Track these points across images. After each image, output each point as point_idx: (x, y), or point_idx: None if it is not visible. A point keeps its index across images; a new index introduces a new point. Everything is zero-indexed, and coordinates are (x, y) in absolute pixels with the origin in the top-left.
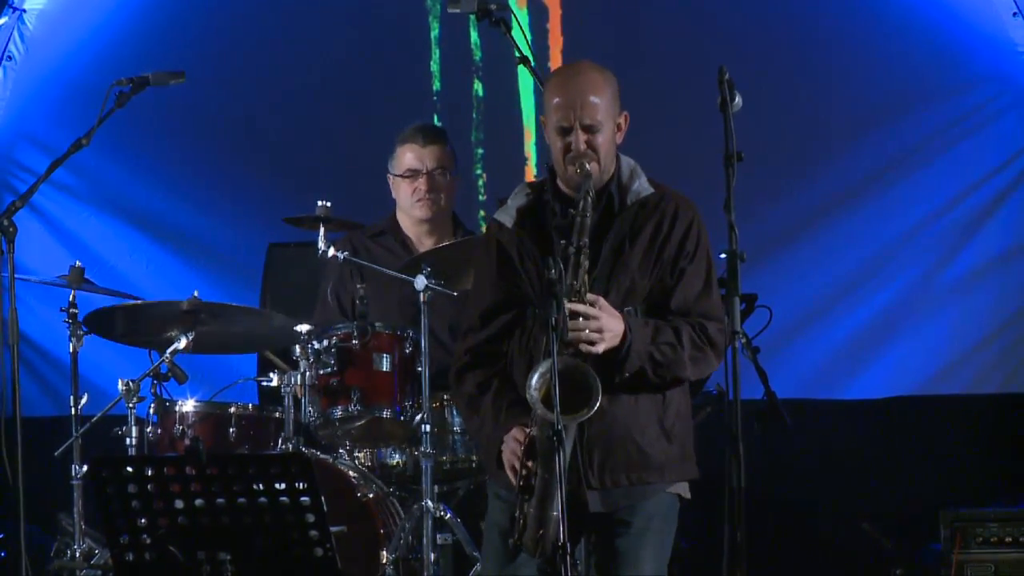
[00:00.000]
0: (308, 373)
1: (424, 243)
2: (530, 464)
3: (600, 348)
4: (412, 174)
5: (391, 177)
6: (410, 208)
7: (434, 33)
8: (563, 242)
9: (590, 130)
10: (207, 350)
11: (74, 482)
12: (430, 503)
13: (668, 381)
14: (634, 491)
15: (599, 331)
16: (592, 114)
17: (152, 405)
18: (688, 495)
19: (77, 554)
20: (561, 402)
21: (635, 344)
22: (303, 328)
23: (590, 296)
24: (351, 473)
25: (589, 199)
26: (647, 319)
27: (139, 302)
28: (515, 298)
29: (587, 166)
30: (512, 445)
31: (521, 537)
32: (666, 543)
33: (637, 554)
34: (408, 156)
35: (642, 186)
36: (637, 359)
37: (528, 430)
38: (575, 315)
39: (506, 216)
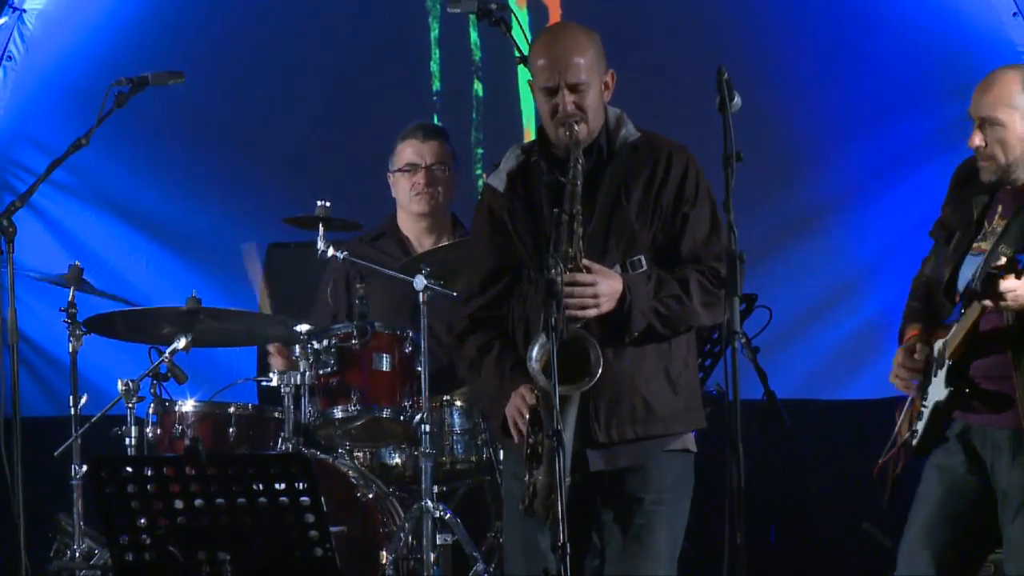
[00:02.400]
0: (308, 373)
1: (423, 242)
2: (536, 432)
3: (594, 313)
4: (411, 168)
5: (391, 175)
6: (408, 203)
7: (434, 33)
8: (556, 210)
9: (576, 89)
10: (205, 345)
11: (73, 482)
12: (430, 503)
13: (681, 331)
14: (638, 447)
15: (595, 296)
16: (577, 73)
17: (152, 405)
18: (694, 448)
19: (76, 554)
20: (561, 372)
21: (636, 302)
22: (303, 328)
23: (585, 262)
24: (351, 473)
25: (579, 166)
26: (651, 272)
27: (138, 308)
28: (510, 262)
29: (575, 127)
30: (517, 402)
31: (532, 503)
32: (683, 511)
33: (651, 531)
34: (408, 151)
35: (629, 131)
36: (641, 317)
37: (534, 391)
38: (572, 283)
39: (497, 180)
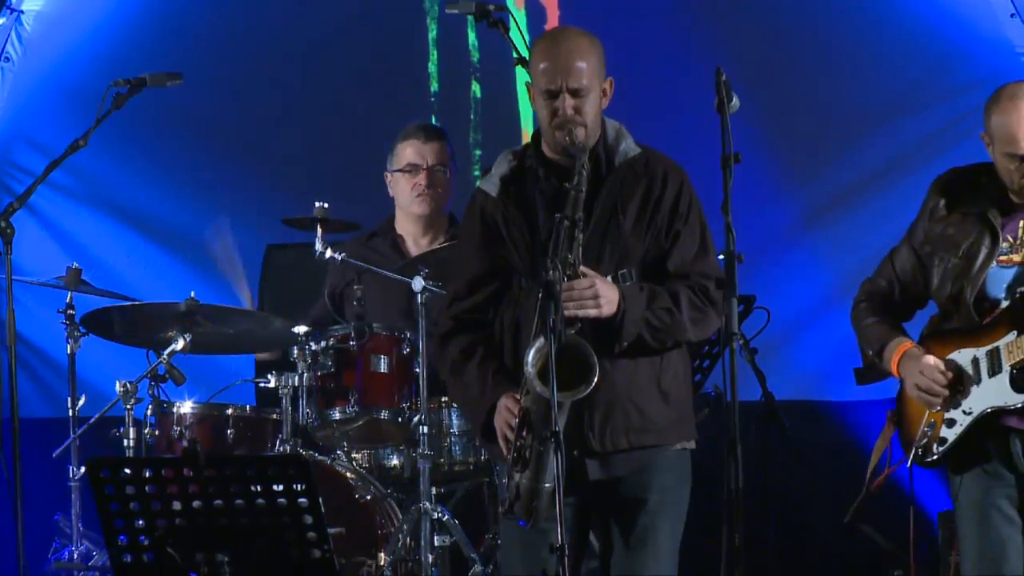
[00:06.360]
0: (306, 375)
1: (420, 243)
2: (524, 435)
3: (593, 313)
4: (412, 168)
5: (389, 175)
6: (409, 204)
7: (432, 34)
8: (558, 215)
9: (576, 94)
10: (204, 351)
11: (72, 483)
12: (428, 505)
13: (669, 345)
14: (633, 456)
15: (595, 297)
16: (578, 78)
17: (150, 407)
18: (692, 445)
19: (75, 555)
20: (558, 378)
21: (630, 312)
22: (301, 329)
23: (583, 269)
24: (349, 475)
25: (584, 173)
26: (642, 284)
27: (136, 303)
28: (502, 268)
29: (575, 132)
30: (504, 415)
31: (512, 507)
32: (683, 508)
33: (654, 531)
34: (409, 151)
35: (629, 147)
36: (633, 326)
37: (519, 399)
38: (571, 287)
39: (490, 185)
